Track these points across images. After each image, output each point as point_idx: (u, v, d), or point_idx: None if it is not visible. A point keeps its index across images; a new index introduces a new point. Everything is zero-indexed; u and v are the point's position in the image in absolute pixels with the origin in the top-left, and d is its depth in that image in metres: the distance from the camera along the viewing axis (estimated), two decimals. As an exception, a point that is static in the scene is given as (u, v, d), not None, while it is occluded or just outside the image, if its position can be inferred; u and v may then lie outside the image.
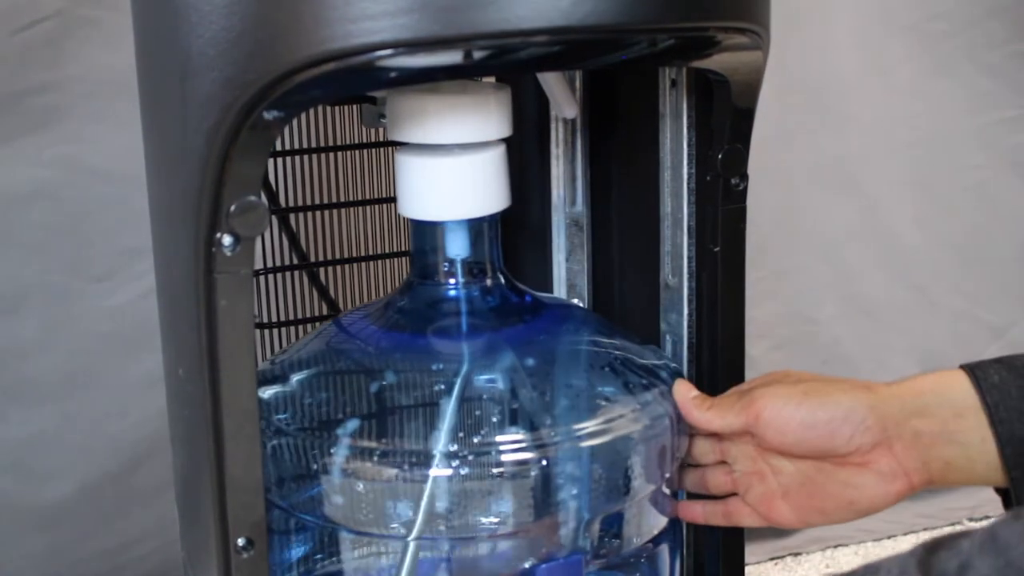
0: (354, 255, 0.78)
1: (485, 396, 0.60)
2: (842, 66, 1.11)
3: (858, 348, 1.18)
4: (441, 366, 0.61)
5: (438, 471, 0.56)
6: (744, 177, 0.64)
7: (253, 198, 0.52)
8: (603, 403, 0.61)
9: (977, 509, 1.20)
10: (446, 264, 0.63)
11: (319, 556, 0.63)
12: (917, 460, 0.57)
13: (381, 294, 0.78)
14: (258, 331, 0.74)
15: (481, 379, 0.61)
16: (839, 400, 0.57)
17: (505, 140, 0.63)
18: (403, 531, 0.57)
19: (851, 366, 1.17)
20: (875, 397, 0.57)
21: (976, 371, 0.56)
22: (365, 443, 0.58)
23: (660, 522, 0.65)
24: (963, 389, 0.56)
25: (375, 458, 0.57)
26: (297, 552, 0.63)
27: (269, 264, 0.75)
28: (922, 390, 0.57)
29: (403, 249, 0.78)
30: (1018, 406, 0.54)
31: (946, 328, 1.20)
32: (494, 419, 0.59)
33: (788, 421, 0.58)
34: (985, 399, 0.55)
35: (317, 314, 0.77)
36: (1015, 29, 1.14)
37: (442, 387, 0.60)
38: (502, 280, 0.65)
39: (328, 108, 0.74)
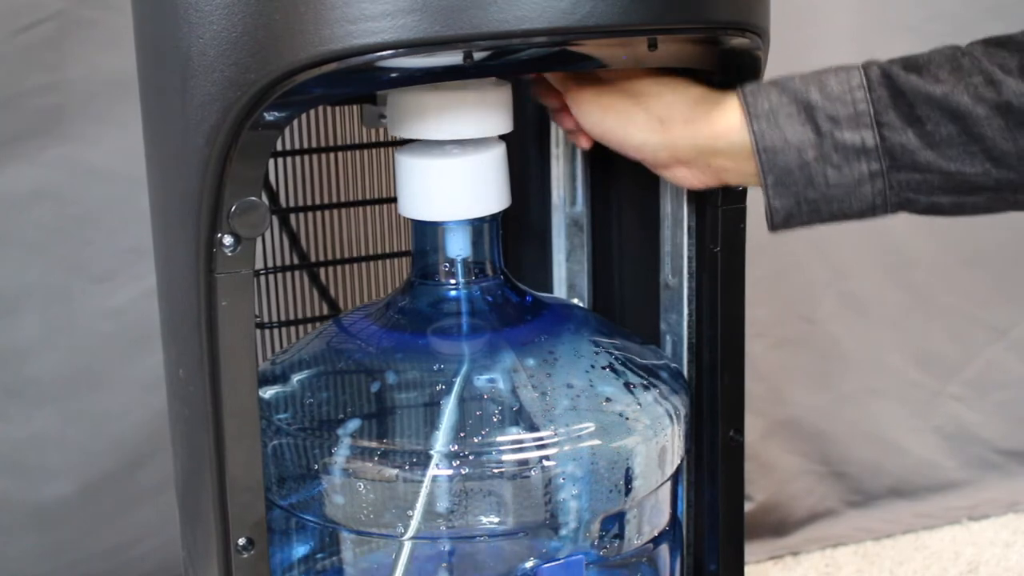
0: (354, 255, 0.78)
1: (485, 396, 0.60)
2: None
3: (855, 347, 1.18)
4: (441, 366, 0.61)
5: (438, 471, 0.57)
6: (744, 177, 0.64)
7: (254, 198, 0.52)
8: (603, 403, 0.61)
9: (976, 509, 1.20)
10: (447, 264, 0.63)
11: (320, 556, 0.63)
12: (713, 179, 0.60)
13: (381, 294, 0.78)
14: (258, 331, 0.74)
15: (481, 379, 0.61)
16: (632, 134, 0.60)
17: (505, 140, 0.63)
18: (403, 531, 0.57)
19: (849, 364, 1.17)
20: (668, 137, 0.60)
21: (748, 98, 0.58)
22: (366, 443, 0.58)
23: (660, 522, 0.65)
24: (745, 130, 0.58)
25: (376, 458, 0.57)
26: (297, 552, 0.63)
27: (269, 264, 0.75)
28: (715, 133, 0.59)
29: (403, 249, 0.78)
30: (783, 135, 0.57)
31: (943, 327, 1.20)
32: (494, 419, 0.59)
33: (591, 128, 0.62)
34: (752, 128, 0.57)
35: (317, 314, 0.77)
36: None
37: (442, 387, 0.60)
38: (503, 280, 0.65)
39: (328, 108, 0.74)
